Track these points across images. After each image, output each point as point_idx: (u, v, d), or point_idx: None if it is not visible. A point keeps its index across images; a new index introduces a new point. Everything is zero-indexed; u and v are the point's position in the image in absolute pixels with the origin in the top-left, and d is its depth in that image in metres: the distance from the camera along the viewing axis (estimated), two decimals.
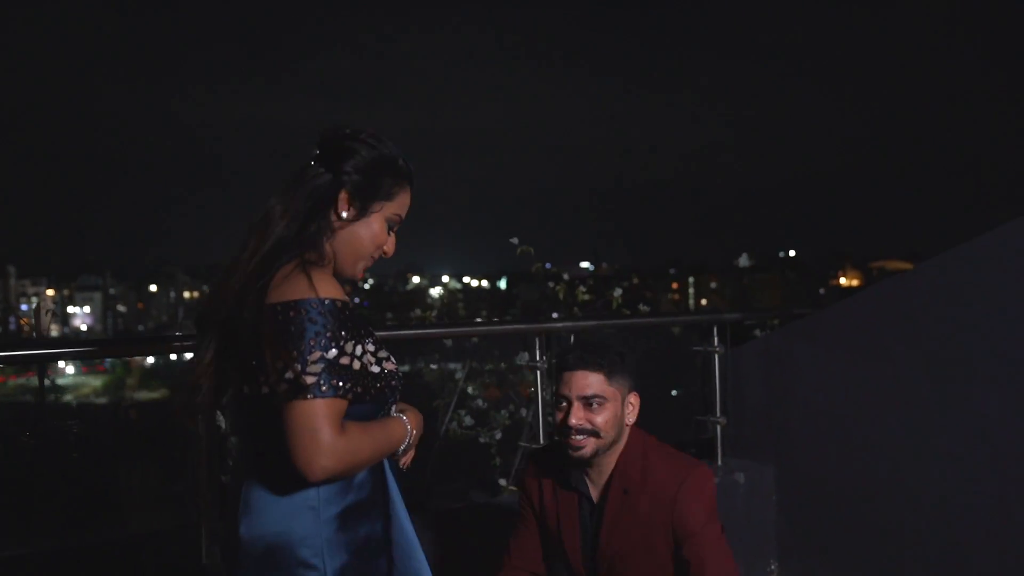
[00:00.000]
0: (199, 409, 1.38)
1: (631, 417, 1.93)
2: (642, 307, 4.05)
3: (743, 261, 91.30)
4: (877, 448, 3.01)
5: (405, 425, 1.44)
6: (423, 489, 3.01)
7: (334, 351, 1.27)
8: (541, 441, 2.96)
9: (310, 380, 1.24)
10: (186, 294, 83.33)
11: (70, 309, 78.49)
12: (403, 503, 1.44)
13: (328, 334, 1.27)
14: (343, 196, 1.41)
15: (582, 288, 3.60)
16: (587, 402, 1.87)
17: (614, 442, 1.90)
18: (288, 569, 1.32)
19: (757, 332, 4.36)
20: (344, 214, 1.41)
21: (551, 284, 3.66)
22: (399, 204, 1.47)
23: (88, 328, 76.67)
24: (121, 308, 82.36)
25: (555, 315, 3.60)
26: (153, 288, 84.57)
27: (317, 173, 1.41)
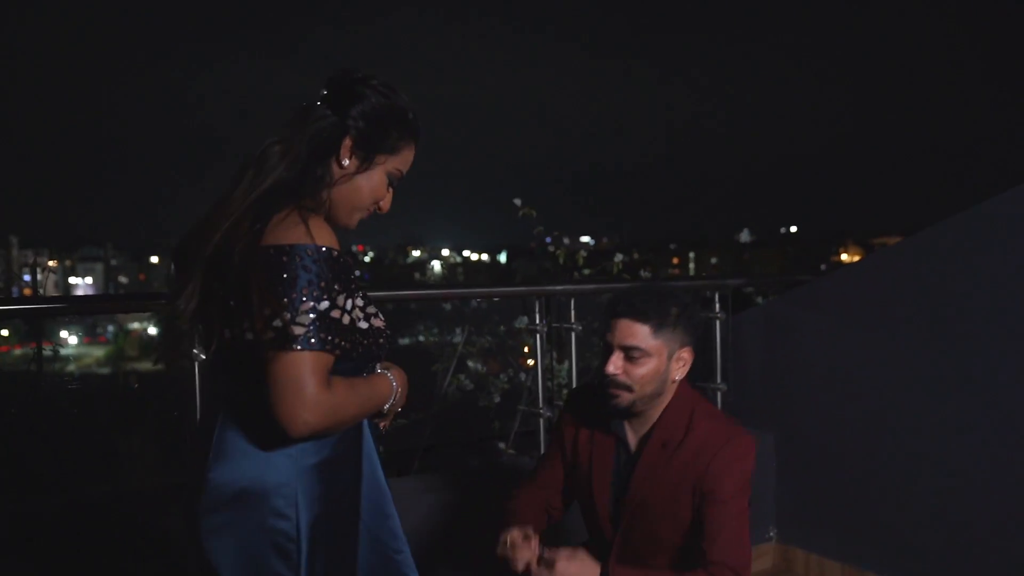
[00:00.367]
0: (185, 356, 1.34)
1: (679, 373, 1.84)
2: (644, 273, 4.03)
3: (744, 236, 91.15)
4: (879, 415, 3.00)
5: (391, 383, 1.39)
6: (422, 452, 3.01)
7: (326, 303, 1.22)
8: (540, 406, 2.96)
9: (298, 331, 1.18)
10: None
11: (72, 280, 78.47)
12: (379, 461, 1.40)
13: (321, 284, 1.21)
14: (347, 143, 1.34)
15: (582, 252, 3.57)
16: (628, 353, 1.79)
17: (655, 396, 1.82)
18: (259, 517, 1.26)
19: (759, 300, 4.35)
20: (346, 162, 1.35)
21: (551, 247, 3.63)
22: (403, 160, 1.42)
23: None
24: (123, 279, 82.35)
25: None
26: (155, 259, 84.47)
27: (322, 115, 1.34)
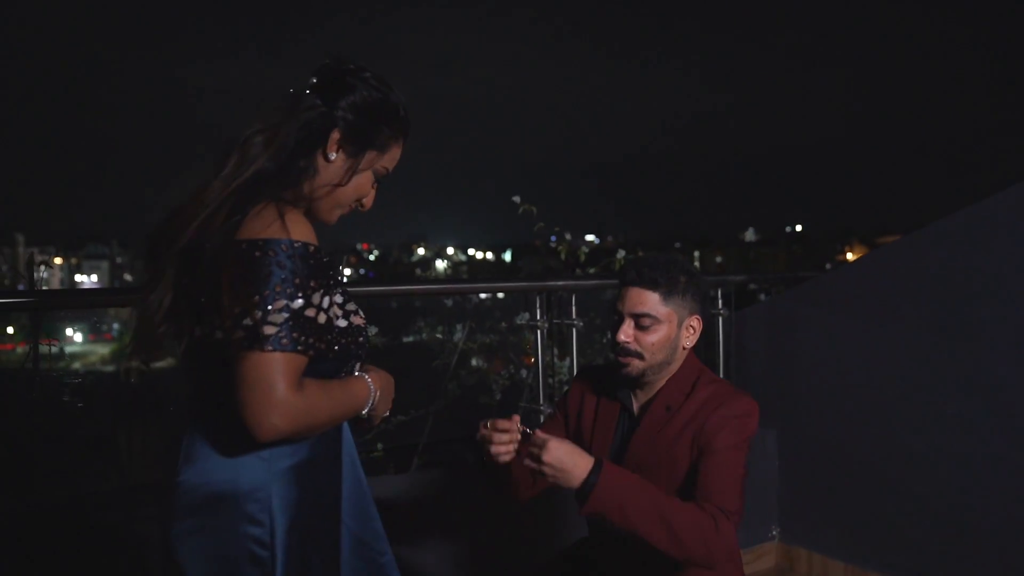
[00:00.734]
0: (157, 354, 1.25)
1: (688, 341, 1.86)
2: None
3: (750, 235, 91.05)
4: (882, 412, 2.98)
5: (368, 386, 1.31)
6: (421, 449, 3.00)
7: (300, 301, 1.14)
8: (541, 403, 2.94)
9: (270, 331, 1.11)
10: None
11: (78, 277, 78.79)
12: (359, 462, 1.35)
13: (296, 281, 1.14)
14: (334, 136, 1.28)
15: (584, 248, 3.55)
16: (638, 321, 1.80)
17: (664, 364, 1.83)
18: (230, 523, 1.19)
19: (762, 297, 4.33)
20: (332, 156, 1.28)
21: (553, 241, 3.61)
22: (390, 157, 1.35)
23: None
24: (128, 277, 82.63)
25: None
26: None
27: (311, 105, 1.27)
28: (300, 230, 1.18)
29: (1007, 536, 2.64)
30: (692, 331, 1.86)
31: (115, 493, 2.47)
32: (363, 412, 1.31)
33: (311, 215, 1.30)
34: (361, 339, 1.29)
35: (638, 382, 1.85)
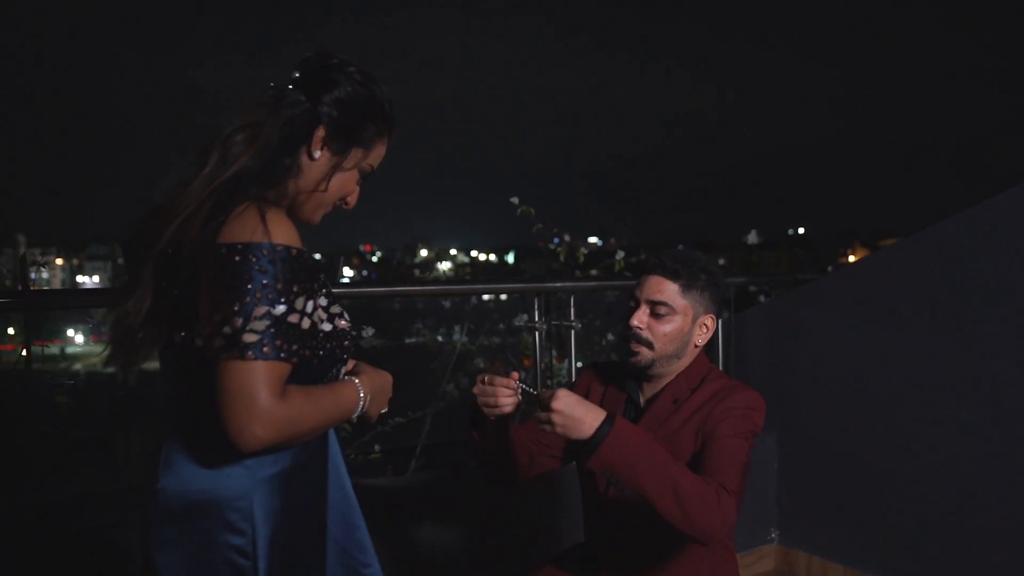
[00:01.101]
0: (139, 360, 1.19)
1: (700, 339, 1.85)
2: None
3: (752, 238, 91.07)
4: (882, 414, 2.97)
5: (357, 390, 1.26)
6: (418, 453, 2.99)
7: (282, 307, 1.10)
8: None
9: (251, 338, 1.07)
10: None
11: (79, 278, 78.91)
12: (346, 468, 1.31)
13: (279, 286, 1.09)
14: (319, 134, 1.23)
15: (583, 250, 3.54)
16: (654, 308, 1.80)
17: (674, 358, 1.82)
18: (211, 532, 1.15)
19: (762, 299, 4.32)
20: (317, 154, 1.24)
21: (554, 243, 3.60)
22: (376, 155, 1.31)
23: None
24: None
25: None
26: None
27: (295, 101, 1.22)
28: (282, 232, 1.13)
29: (1007, 538, 2.63)
30: (705, 329, 1.85)
31: (112, 494, 2.46)
32: (352, 417, 1.27)
33: (293, 215, 1.25)
34: (347, 343, 1.25)
35: (645, 374, 1.84)
